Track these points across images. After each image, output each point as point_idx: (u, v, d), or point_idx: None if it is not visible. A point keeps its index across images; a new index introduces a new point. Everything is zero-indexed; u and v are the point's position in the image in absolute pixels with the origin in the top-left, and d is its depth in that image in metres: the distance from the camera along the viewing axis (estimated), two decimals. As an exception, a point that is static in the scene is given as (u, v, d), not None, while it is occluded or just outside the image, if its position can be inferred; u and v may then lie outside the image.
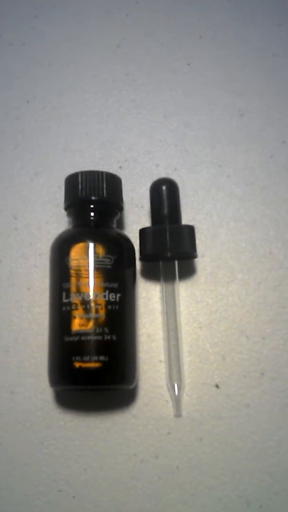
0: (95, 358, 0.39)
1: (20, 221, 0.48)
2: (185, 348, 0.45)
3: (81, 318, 0.40)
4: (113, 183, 0.44)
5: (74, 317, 0.40)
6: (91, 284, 0.40)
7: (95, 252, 0.41)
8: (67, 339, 0.39)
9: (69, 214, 0.44)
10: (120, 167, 0.49)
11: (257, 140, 0.50)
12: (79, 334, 0.39)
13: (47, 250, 0.45)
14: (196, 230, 0.45)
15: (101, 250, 0.41)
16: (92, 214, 0.43)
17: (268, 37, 0.53)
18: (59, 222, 0.48)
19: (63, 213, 0.46)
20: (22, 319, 0.46)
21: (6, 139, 0.51)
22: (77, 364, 0.39)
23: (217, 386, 0.44)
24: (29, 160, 0.50)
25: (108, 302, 0.40)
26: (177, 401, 0.43)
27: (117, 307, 0.40)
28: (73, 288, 0.40)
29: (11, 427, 0.44)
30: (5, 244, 0.48)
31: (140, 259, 0.45)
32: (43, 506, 0.42)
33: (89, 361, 0.39)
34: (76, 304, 0.40)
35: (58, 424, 0.44)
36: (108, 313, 0.40)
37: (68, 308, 0.40)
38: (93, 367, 0.39)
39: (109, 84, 0.52)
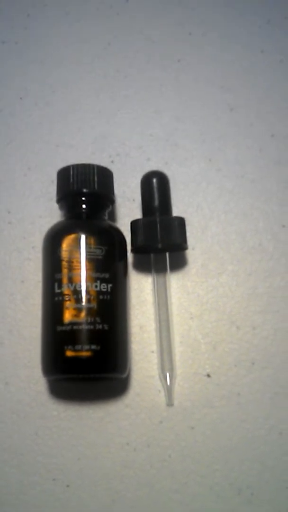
0: (87, 347, 0.39)
1: (13, 215, 0.49)
2: (176, 338, 0.45)
3: (73, 308, 0.40)
4: (104, 175, 0.44)
5: (67, 307, 0.40)
6: (82, 275, 0.41)
7: (86, 243, 0.41)
8: (59, 328, 0.40)
9: (61, 207, 0.45)
10: (112, 162, 0.50)
11: (246, 134, 0.51)
12: (71, 323, 0.40)
13: (40, 243, 0.45)
14: (187, 223, 0.46)
15: (92, 241, 0.41)
16: (83, 206, 0.44)
17: (257, 34, 0.54)
18: (52, 216, 0.48)
19: (56, 207, 0.47)
20: (16, 311, 0.46)
21: (0, 135, 0.51)
22: (69, 353, 0.39)
23: (208, 375, 0.45)
24: (22, 155, 0.51)
25: (99, 292, 0.40)
26: (169, 390, 0.44)
27: (108, 297, 0.41)
28: (65, 279, 0.41)
29: (5, 417, 0.44)
30: (-2, 237, 0.49)
31: (132, 251, 0.45)
32: (38, 495, 0.43)
33: (81, 350, 0.39)
34: (69, 295, 0.40)
35: (52, 414, 0.44)
36: (100, 303, 0.40)
37: (60, 298, 0.40)
38: (85, 356, 0.39)
39: (101, 80, 0.53)
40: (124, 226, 0.46)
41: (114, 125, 0.51)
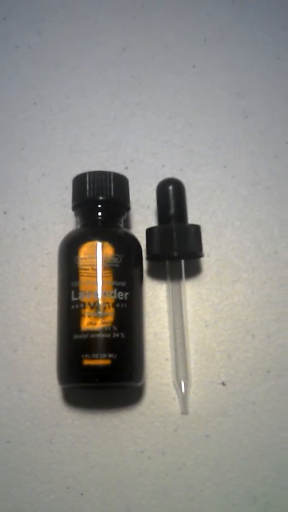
0: (104, 355, 0.39)
1: (27, 222, 0.49)
2: (191, 346, 0.45)
3: (90, 316, 0.40)
4: (120, 183, 0.44)
5: (83, 316, 0.40)
6: (99, 283, 0.40)
7: (103, 251, 0.41)
8: (76, 337, 0.40)
9: (77, 214, 0.45)
10: (126, 168, 0.50)
11: (261, 141, 0.51)
12: (88, 332, 0.40)
13: (54, 250, 0.45)
14: (201, 230, 0.45)
15: (109, 249, 0.41)
16: (99, 213, 0.44)
17: (272, 40, 0.54)
18: (66, 223, 0.48)
19: (70, 213, 0.47)
20: (30, 318, 0.46)
21: (14, 140, 0.51)
22: (86, 362, 0.39)
23: (223, 383, 0.45)
24: (36, 161, 0.51)
25: (116, 301, 0.40)
26: (183, 398, 0.44)
27: (125, 305, 0.41)
28: (82, 287, 0.41)
29: (20, 424, 0.44)
30: (13, 244, 0.48)
31: (147, 258, 0.45)
32: (52, 503, 0.43)
33: (98, 359, 0.39)
34: (85, 303, 0.40)
35: (66, 422, 0.44)
36: (117, 311, 0.40)
37: (77, 306, 0.40)
38: (102, 365, 0.39)
39: (115, 86, 0.53)
40: (138, 233, 0.46)
41: (128, 131, 0.51)
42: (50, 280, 0.47)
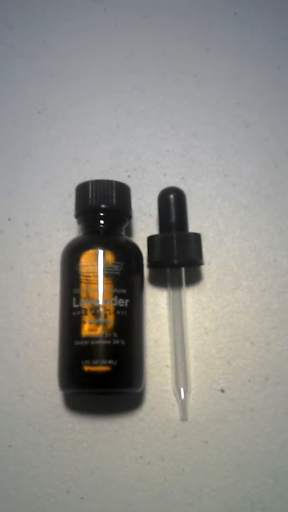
0: (104, 362, 0.40)
1: (31, 228, 0.50)
2: (191, 353, 0.46)
3: (91, 323, 0.41)
4: (122, 191, 0.45)
5: (84, 322, 0.41)
6: (100, 290, 0.41)
7: (104, 259, 0.42)
8: (77, 343, 0.40)
9: (79, 222, 0.46)
10: (129, 176, 0.51)
11: (262, 150, 0.51)
12: (89, 338, 0.40)
13: (57, 256, 0.46)
14: (202, 238, 0.46)
15: (110, 257, 0.42)
16: (101, 222, 0.44)
17: (273, 50, 0.55)
18: (69, 230, 0.49)
19: (73, 220, 0.47)
20: (33, 323, 0.47)
21: (18, 148, 0.52)
22: (86, 368, 0.40)
23: (222, 390, 0.45)
24: (40, 169, 0.51)
25: (117, 308, 0.41)
26: (183, 405, 0.44)
27: (125, 312, 0.41)
28: (83, 294, 0.41)
29: (21, 429, 0.45)
30: (16, 250, 0.49)
31: (148, 265, 0.46)
32: (52, 507, 0.43)
33: (98, 365, 0.40)
34: (86, 309, 0.41)
35: (67, 426, 0.45)
36: (117, 318, 0.41)
37: (78, 313, 0.41)
38: (102, 371, 0.40)
39: (118, 95, 0.53)
40: (140, 240, 0.47)
41: (131, 140, 0.52)
42: (53, 286, 0.47)
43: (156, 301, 0.47)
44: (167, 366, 0.46)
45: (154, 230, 0.49)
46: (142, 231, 0.49)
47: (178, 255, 0.44)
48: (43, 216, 0.50)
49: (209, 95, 0.53)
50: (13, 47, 0.56)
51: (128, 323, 0.41)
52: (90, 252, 0.42)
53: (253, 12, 0.56)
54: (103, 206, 0.44)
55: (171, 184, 0.49)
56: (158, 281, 0.47)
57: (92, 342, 0.40)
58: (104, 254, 0.42)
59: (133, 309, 0.42)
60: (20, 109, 0.54)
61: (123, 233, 0.46)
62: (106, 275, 0.41)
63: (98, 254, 0.42)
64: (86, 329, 0.40)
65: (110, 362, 0.40)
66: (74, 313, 0.41)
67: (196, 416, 0.45)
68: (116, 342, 0.40)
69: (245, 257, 0.48)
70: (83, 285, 0.41)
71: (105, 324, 0.41)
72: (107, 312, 0.41)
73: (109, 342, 0.40)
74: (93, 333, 0.40)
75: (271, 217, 0.49)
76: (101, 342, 0.40)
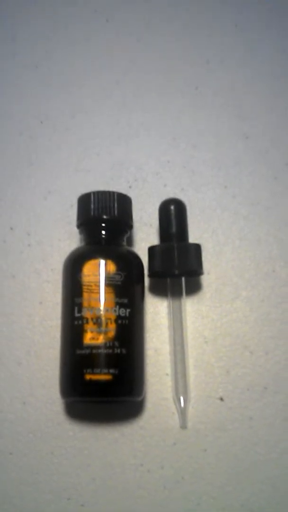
0: (106, 370, 0.40)
1: (33, 238, 0.50)
2: (191, 362, 0.46)
3: (92, 331, 0.41)
4: (123, 202, 0.45)
5: (86, 331, 0.41)
6: (102, 300, 0.42)
7: (106, 269, 0.42)
8: (78, 352, 0.41)
9: (81, 232, 0.46)
10: (130, 187, 0.51)
11: (261, 162, 0.52)
12: (90, 347, 0.41)
13: (59, 265, 0.46)
14: (202, 248, 0.46)
15: (112, 267, 0.42)
16: (103, 232, 0.45)
17: (273, 62, 0.55)
18: (71, 239, 0.49)
19: (74, 230, 0.48)
20: (34, 332, 0.47)
21: (20, 158, 0.53)
22: (88, 376, 0.40)
23: (221, 399, 0.46)
24: (42, 179, 0.52)
25: (118, 317, 0.41)
26: (182, 413, 0.45)
27: (127, 321, 0.42)
28: (85, 303, 0.42)
29: (22, 436, 0.45)
30: (18, 259, 0.49)
31: (149, 275, 0.46)
32: (52, 514, 0.44)
33: (100, 373, 0.40)
34: (88, 319, 0.41)
35: (68, 434, 0.45)
36: (118, 327, 0.41)
37: (80, 322, 0.41)
38: (104, 380, 0.40)
39: (120, 106, 0.54)
40: (141, 250, 0.47)
41: (132, 151, 0.53)
42: (54, 295, 0.48)
43: (156, 310, 0.48)
44: (167, 374, 0.46)
45: (154, 240, 0.49)
46: (143, 241, 0.49)
47: (178, 265, 0.45)
48: (45, 226, 0.50)
49: (210, 107, 0.54)
50: (15, 57, 0.56)
51: (129, 332, 0.42)
52: (92, 262, 0.43)
53: (253, 25, 0.56)
54: (105, 217, 0.44)
55: (171, 195, 0.50)
56: (159, 290, 0.48)
57: (93, 351, 0.41)
58: (106, 264, 0.42)
59: (134, 318, 0.42)
60: (23, 119, 0.54)
61: (124, 243, 0.46)
62: (107, 284, 0.42)
63: (100, 264, 0.42)
64: (88, 338, 0.41)
65: (112, 370, 0.40)
66: (76, 322, 0.42)
67: (196, 424, 0.45)
68: (118, 351, 0.41)
69: (244, 268, 0.49)
70: (85, 295, 0.42)
71: (106, 333, 0.41)
72: (109, 321, 0.41)
73: (110, 351, 0.41)
74: (94, 342, 0.41)
75: (271, 228, 0.50)
76: (103, 351, 0.41)
